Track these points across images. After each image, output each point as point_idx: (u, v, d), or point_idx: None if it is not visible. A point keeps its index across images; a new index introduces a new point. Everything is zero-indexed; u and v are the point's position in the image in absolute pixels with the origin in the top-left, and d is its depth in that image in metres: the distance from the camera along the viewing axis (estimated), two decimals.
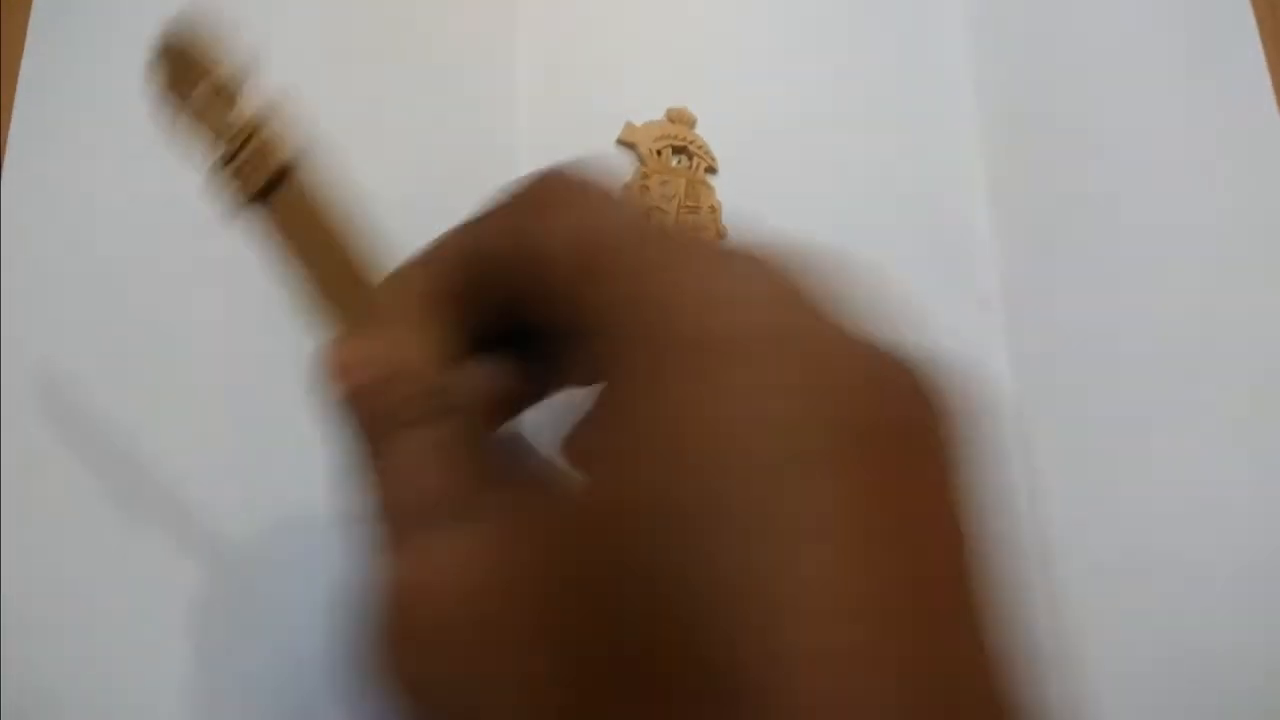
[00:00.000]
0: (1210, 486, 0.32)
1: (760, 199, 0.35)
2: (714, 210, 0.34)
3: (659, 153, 0.35)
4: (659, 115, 0.36)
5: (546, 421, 0.18)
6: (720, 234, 0.34)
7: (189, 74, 0.20)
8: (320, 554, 0.25)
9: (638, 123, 0.35)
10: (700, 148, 0.35)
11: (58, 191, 0.30)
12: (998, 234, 0.35)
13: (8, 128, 0.30)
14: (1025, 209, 0.35)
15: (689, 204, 0.34)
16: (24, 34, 0.31)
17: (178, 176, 0.21)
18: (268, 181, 0.20)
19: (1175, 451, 0.32)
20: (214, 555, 0.26)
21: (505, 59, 0.35)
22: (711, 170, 0.35)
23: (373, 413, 0.18)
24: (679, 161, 0.35)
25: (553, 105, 0.35)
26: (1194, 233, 0.34)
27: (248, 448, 0.28)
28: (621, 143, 0.35)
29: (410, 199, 0.31)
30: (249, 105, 0.20)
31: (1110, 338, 0.33)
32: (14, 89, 0.30)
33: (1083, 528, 0.31)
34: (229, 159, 0.20)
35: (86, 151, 0.30)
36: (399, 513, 0.17)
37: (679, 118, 0.36)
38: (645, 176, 0.34)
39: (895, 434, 0.14)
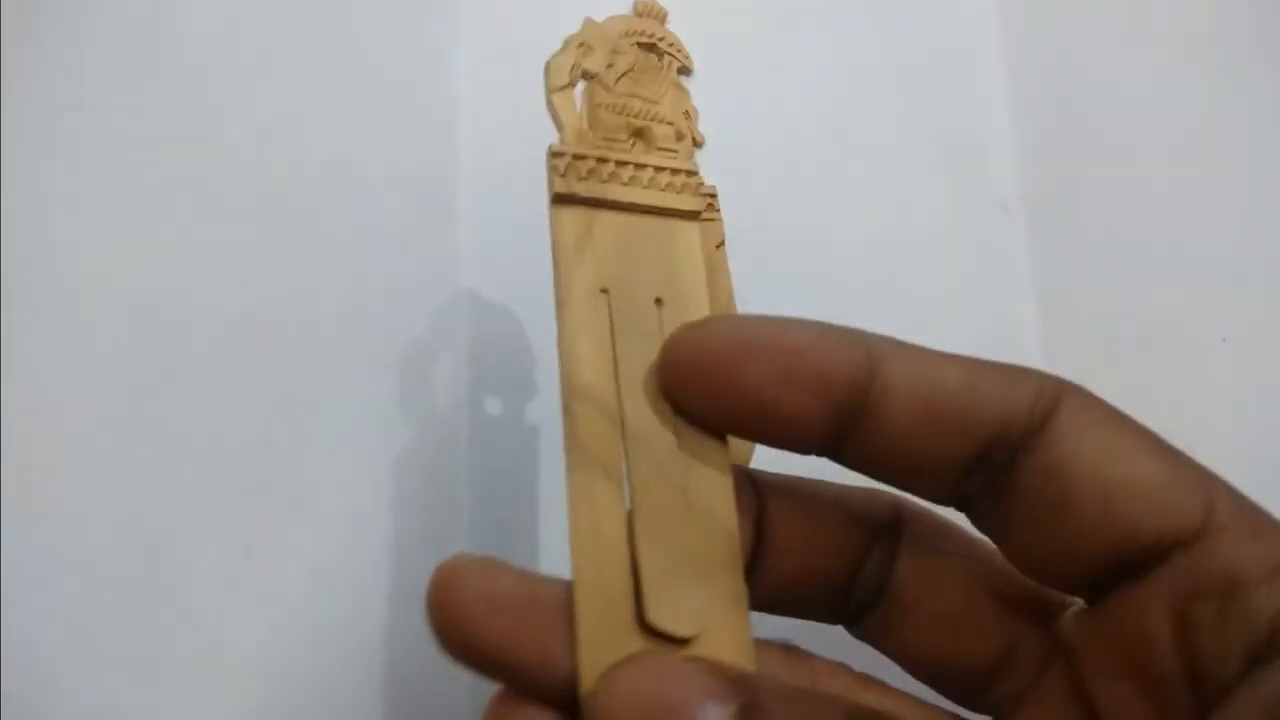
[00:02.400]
0: (1245, 389, 0.31)
1: (743, 103, 0.31)
2: (688, 116, 0.30)
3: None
4: (625, 9, 0.31)
5: None
6: (697, 142, 0.30)
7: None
8: (337, 569, 0.24)
9: (598, 17, 0.30)
10: (672, 45, 0.31)
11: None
12: (1017, 134, 0.31)
13: None
14: (1047, 107, 0.32)
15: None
16: None
17: None
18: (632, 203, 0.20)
19: (1205, 355, 0.31)
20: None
21: None
22: (686, 71, 0.31)
23: None
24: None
25: (498, 9, 0.30)
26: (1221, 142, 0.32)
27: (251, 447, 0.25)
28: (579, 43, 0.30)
29: (332, 107, 0.28)
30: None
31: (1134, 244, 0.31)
32: None
33: None
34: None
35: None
36: None
37: (648, 10, 0.31)
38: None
39: None
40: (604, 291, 0.20)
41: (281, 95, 0.27)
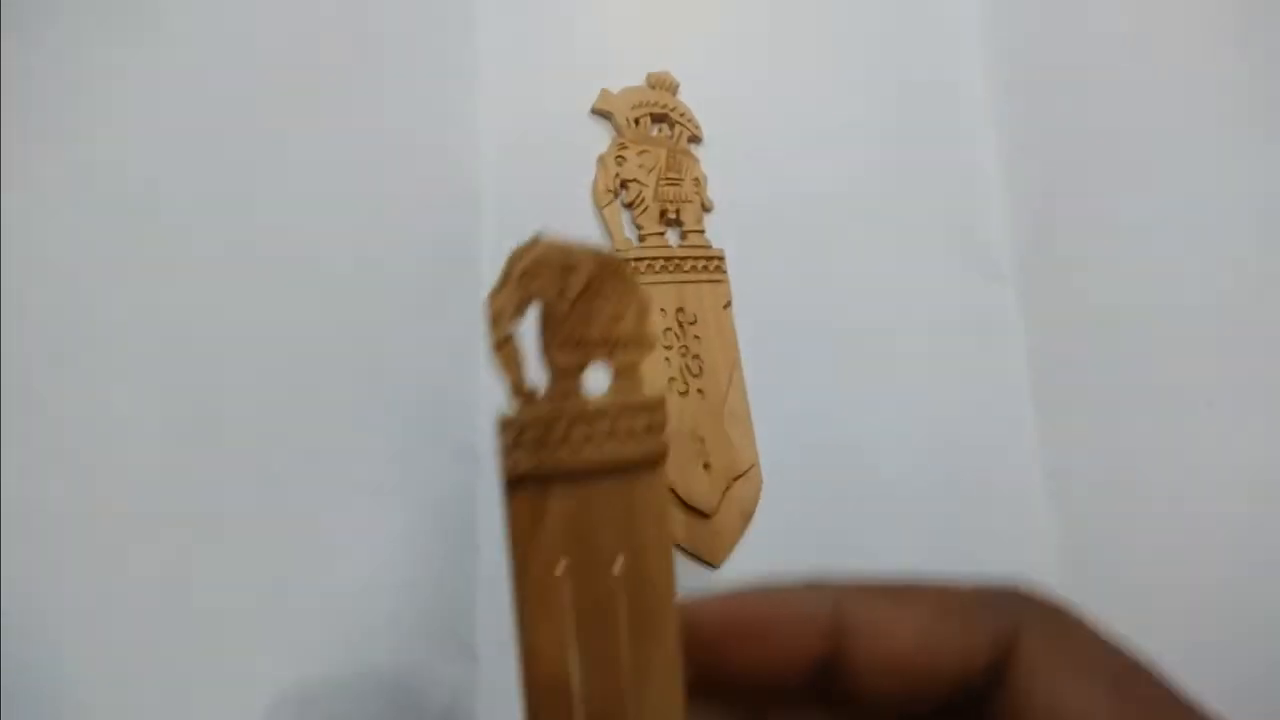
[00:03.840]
0: (1230, 451, 0.31)
1: (749, 171, 0.32)
2: (698, 182, 0.32)
3: (637, 121, 0.32)
4: (638, 80, 0.33)
5: None
6: (706, 207, 0.32)
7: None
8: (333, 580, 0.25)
9: (614, 89, 0.32)
10: (683, 115, 0.33)
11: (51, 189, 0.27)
12: (1010, 201, 0.33)
13: None
14: (1038, 178, 0.33)
15: (670, 176, 0.31)
16: None
17: None
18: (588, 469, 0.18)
19: (1197, 421, 0.31)
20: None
21: (463, 19, 0.31)
22: (695, 139, 0.33)
23: None
24: (659, 130, 0.32)
25: (519, 71, 0.31)
26: (1213, 201, 0.33)
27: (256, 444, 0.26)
28: (596, 111, 0.32)
29: (367, 174, 0.29)
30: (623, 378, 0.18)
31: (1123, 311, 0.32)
32: None
33: (1103, 495, 0.31)
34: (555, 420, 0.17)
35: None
36: None
37: (660, 83, 0.33)
38: (622, 148, 0.31)
39: None
40: (563, 572, 0.18)
41: (311, 159, 0.29)
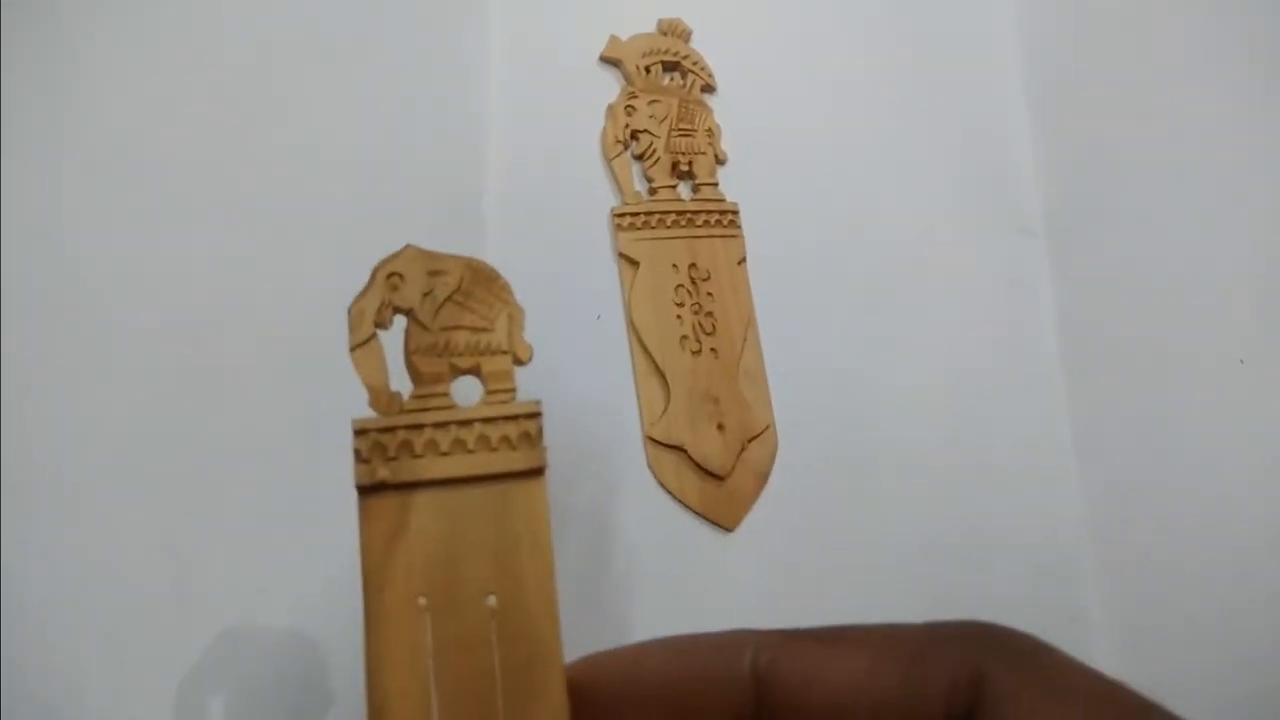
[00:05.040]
0: (1263, 410, 0.30)
1: (765, 121, 0.31)
2: (711, 133, 0.31)
3: (648, 69, 0.31)
4: (648, 27, 0.31)
5: None
6: (720, 159, 0.30)
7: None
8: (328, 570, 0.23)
9: (623, 36, 0.31)
10: (695, 63, 0.31)
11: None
12: (1039, 159, 0.31)
13: None
14: (1068, 132, 0.32)
15: (682, 127, 0.30)
16: None
17: None
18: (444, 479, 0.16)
19: (1229, 378, 0.30)
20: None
21: None
22: (709, 89, 0.31)
23: None
24: (671, 79, 0.31)
25: (526, 17, 0.30)
26: (1238, 162, 0.31)
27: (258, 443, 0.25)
28: (605, 59, 0.30)
29: (372, 126, 0.28)
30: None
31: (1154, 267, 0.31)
32: None
33: (1132, 453, 0.30)
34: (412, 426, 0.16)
35: None
36: None
37: (672, 29, 0.31)
38: (632, 97, 0.30)
39: None
40: (422, 601, 0.16)
41: (313, 115, 0.28)
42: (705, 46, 0.31)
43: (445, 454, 0.16)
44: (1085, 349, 0.32)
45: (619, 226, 0.28)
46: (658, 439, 0.27)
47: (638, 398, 0.27)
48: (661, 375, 0.27)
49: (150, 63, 0.27)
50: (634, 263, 0.28)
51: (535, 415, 0.17)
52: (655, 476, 0.26)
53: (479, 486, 0.16)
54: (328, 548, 0.24)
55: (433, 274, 0.18)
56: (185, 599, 0.23)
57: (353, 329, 0.17)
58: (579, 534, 0.26)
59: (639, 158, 0.30)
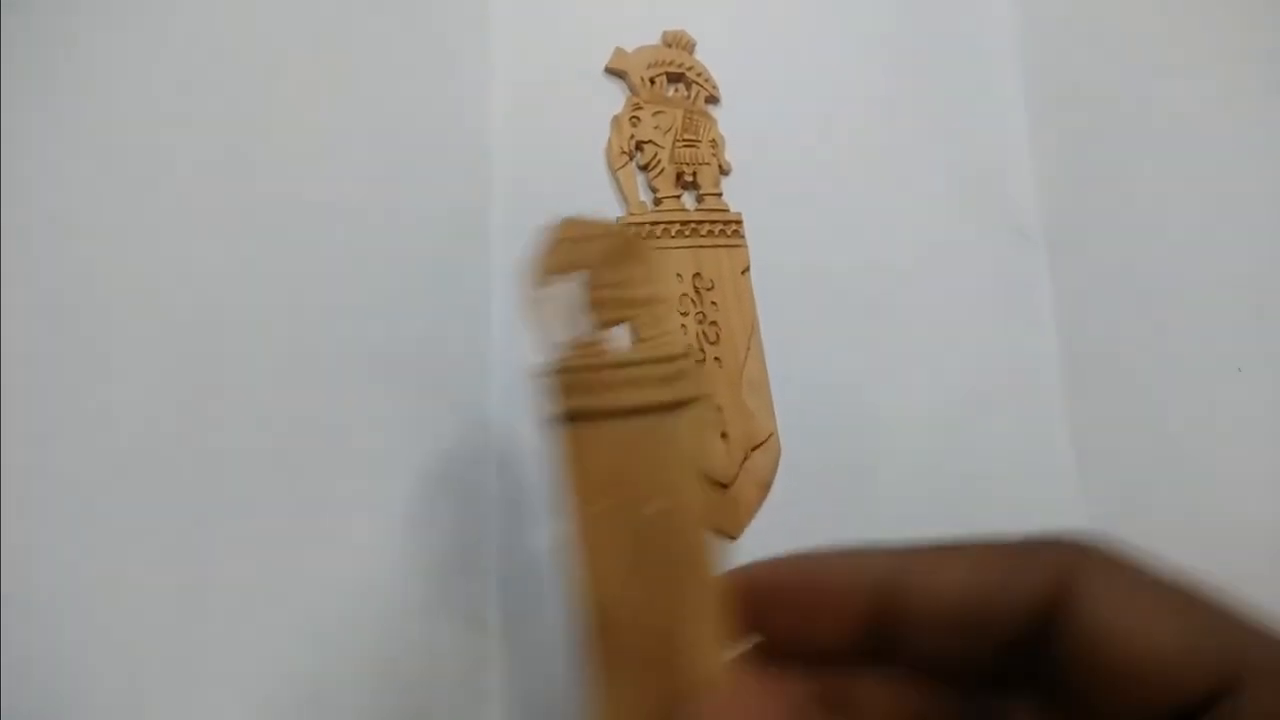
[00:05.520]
0: (1260, 417, 0.31)
1: (768, 132, 0.31)
2: (715, 144, 0.31)
3: (653, 81, 0.31)
4: (653, 39, 0.32)
5: None
6: (724, 170, 0.31)
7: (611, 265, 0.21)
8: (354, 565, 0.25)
9: (628, 48, 0.31)
10: (699, 75, 0.32)
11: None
12: (1037, 164, 0.32)
13: None
14: (1066, 137, 0.32)
15: (687, 137, 0.31)
16: None
17: None
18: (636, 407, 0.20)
19: (1227, 385, 0.30)
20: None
21: None
22: (713, 100, 0.32)
23: None
24: (676, 90, 0.31)
25: (531, 30, 0.30)
26: (1237, 163, 0.32)
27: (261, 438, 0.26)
28: (610, 70, 0.31)
29: (377, 138, 0.28)
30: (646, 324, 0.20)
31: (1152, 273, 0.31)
32: None
33: (1132, 459, 0.31)
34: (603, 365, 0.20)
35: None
36: None
37: (676, 41, 0.32)
38: (636, 108, 0.31)
39: None
40: (606, 508, 0.20)
41: (322, 122, 0.28)
42: (709, 58, 0.32)
43: (615, 391, 0.20)
44: (1084, 356, 0.33)
45: None
46: None
47: None
48: None
49: (157, 76, 0.28)
50: None
51: (685, 355, 0.20)
52: None
53: (646, 415, 0.20)
54: (339, 554, 0.25)
55: (592, 239, 0.21)
56: (195, 606, 0.24)
57: (531, 290, 0.21)
58: None
59: (644, 168, 0.30)
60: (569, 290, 0.20)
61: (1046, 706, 0.18)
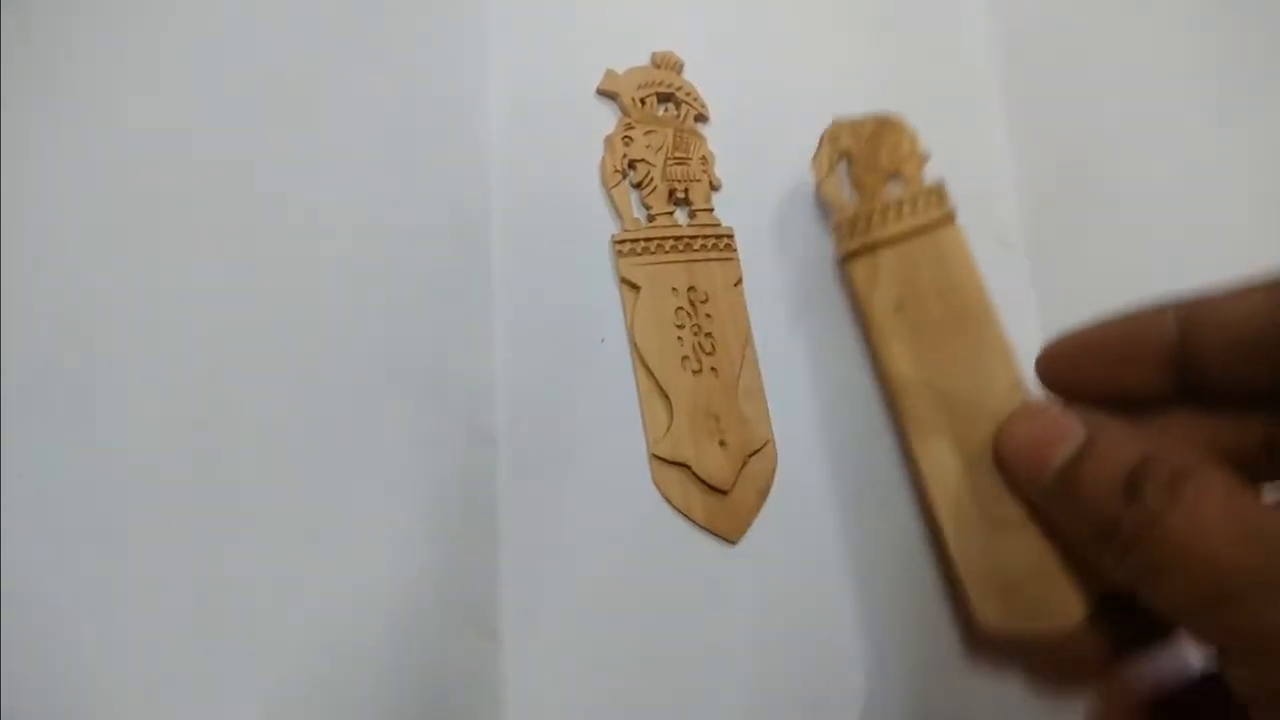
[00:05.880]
0: None
1: (756, 148, 0.32)
2: (705, 161, 0.32)
3: (643, 101, 0.32)
4: (642, 60, 0.33)
5: None
6: (714, 186, 0.32)
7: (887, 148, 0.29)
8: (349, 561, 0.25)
9: (619, 69, 0.32)
10: (689, 94, 0.32)
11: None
12: (1018, 171, 0.33)
13: None
14: (1047, 144, 0.33)
15: (678, 155, 0.31)
16: None
17: None
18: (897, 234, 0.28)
19: None
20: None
21: (470, 4, 0.31)
22: (702, 118, 0.33)
23: (1151, 464, 0.20)
24: (666, 110, 0.32)
25: (524, 53, 0.31)
26: (1219, 171, 0.33)
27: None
28: (601, 92, 0.32)
29: (367, 155, 0.29)
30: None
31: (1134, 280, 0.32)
32: None
33: None
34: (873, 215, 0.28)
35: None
36: (1258, 558, 0.18)
37: (665, 62, 0.33)
38: (628, 128, 0.31)
39: None
40: (899, 307, 0.27)
41: (323, 144, 0.29)
42: (698, 78, 0.33)
43: (892, 221, 0.28)
44: None
45: (619, 252, 0.29)
46: (662, 456, 0.28)
47: (642, 417, 0.28)
48: (664, 395, 0.28)
49: (144, 78, 0.28)
50: (635, 287, 0.29)
51: (939, 187, 0.29)
52: (661, 492, 0.27)
53: (917, 235, 0.28)
54: (349, 563, 0.25)
55: (856, 126, 0.30)
56: (208, 615, 0.24)
57: (820, 170, 0.30)
58: (588, 549, 0.27)
59: (637, 186, 0.31)
60: (850, 162, 0.29)
61: None
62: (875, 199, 0.28)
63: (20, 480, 0.24)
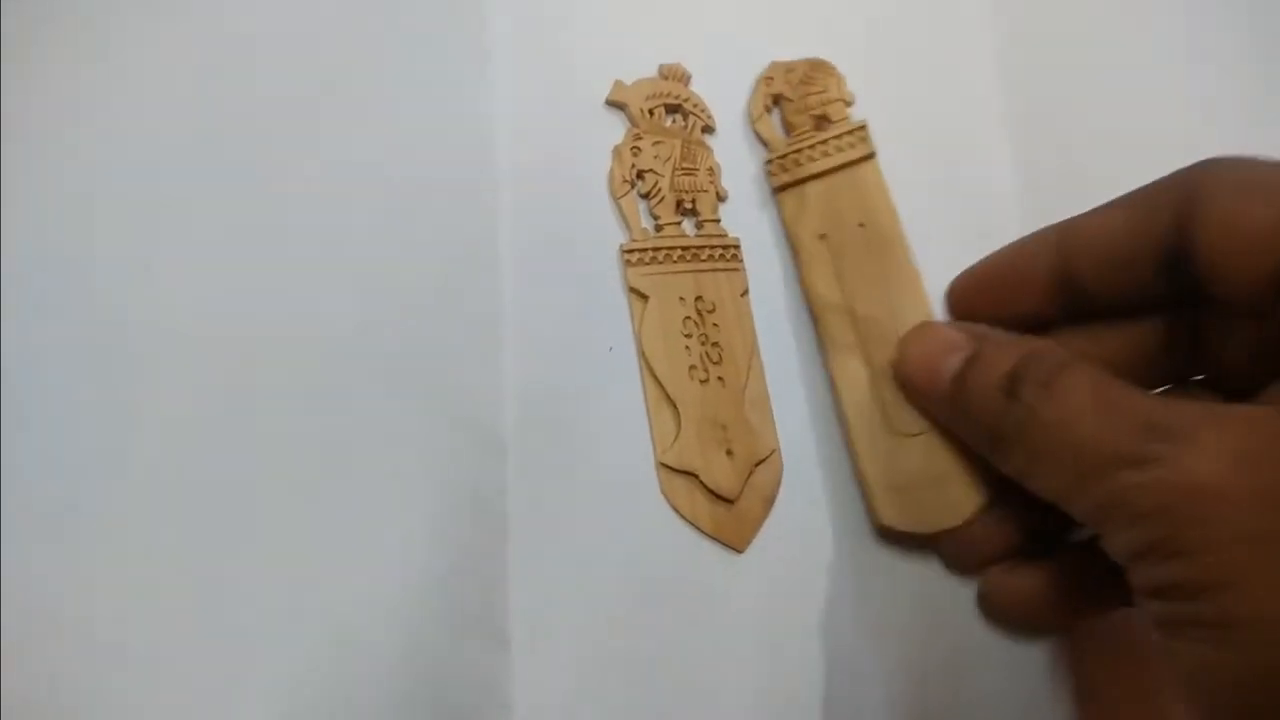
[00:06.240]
0: None
1: (761, 160, 0.32)
2: (712, 172, 0.32)
3: (651, 112, 0.32)
4: (650, 72, 0.33)
5: None
6: (720, 196, 0.32)
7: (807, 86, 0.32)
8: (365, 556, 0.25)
9: (627, 80, 0.33)
10: (696, 105, 0.33)
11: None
12: (1019, 185, 0.33)
13: None
14: (1050, 158, 0.33)
15: (685, 166, 0.32)
16: None
17: None
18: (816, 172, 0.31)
19: None
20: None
21: (475, 11, 0.32)
22: (709, 130, 0.33)
23: (1026, 364, 0.23)
24: (673, 121, 0.33)
25: (532, 64, 0.31)
26: None
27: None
28: (610, 103, 0.32)
29: (377, 166, 0.29)
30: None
31: None
32: None
33: None
34: (795, 150, 0.31)
35: None
36: (1117, 433, 0.20)
37: (672, 74, 0.33)
38: (637, 138, 0.32)
39: None
40: (822, 236, 0.30)
41: (330, 155, 0.29)
42: (705, 89, 0.33)
43: (817, 159, 0.31)
44: None
45: (628, 262, 0.30)
46: (670, 465, 0.28)
47: (650, 426, 0.28)
48: (672, 404, 0.28)
49: (155, 90, 0.29)
50: (643, 296, 0.29)
51: (861, 127, 0.31)
52: (668, 501, 0.28)
53: (839, 171, 0.31)
54: (360, 569, 0.26)
55: (788, 69, 0.32)
56: (221, 620, 0.24)
57: (754, 109, 0.32)
58: (596, 556, 0.27)
59: (645, 196, 0.31)
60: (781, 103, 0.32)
61: (1202, 313, 0.24)
62: (804, 138, 0.31)
63: (28, 481, 0.24)
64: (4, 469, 0.24)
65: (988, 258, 0.28)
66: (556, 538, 0.27)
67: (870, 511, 0.28)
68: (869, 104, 0.33)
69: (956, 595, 0.28)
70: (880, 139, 0.32)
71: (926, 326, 0.27)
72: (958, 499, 0.27)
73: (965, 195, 0.33)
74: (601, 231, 0.30)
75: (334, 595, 0.25)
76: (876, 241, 0.30)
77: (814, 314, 0.29)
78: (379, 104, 0.30)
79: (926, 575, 0.28)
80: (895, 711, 0.27)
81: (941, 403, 0.26)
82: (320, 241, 0.28)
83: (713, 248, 0.31)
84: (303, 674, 0.24)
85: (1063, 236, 0.25)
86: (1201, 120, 0.35)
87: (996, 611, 0.27)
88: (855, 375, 0.28)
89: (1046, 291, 0.26)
